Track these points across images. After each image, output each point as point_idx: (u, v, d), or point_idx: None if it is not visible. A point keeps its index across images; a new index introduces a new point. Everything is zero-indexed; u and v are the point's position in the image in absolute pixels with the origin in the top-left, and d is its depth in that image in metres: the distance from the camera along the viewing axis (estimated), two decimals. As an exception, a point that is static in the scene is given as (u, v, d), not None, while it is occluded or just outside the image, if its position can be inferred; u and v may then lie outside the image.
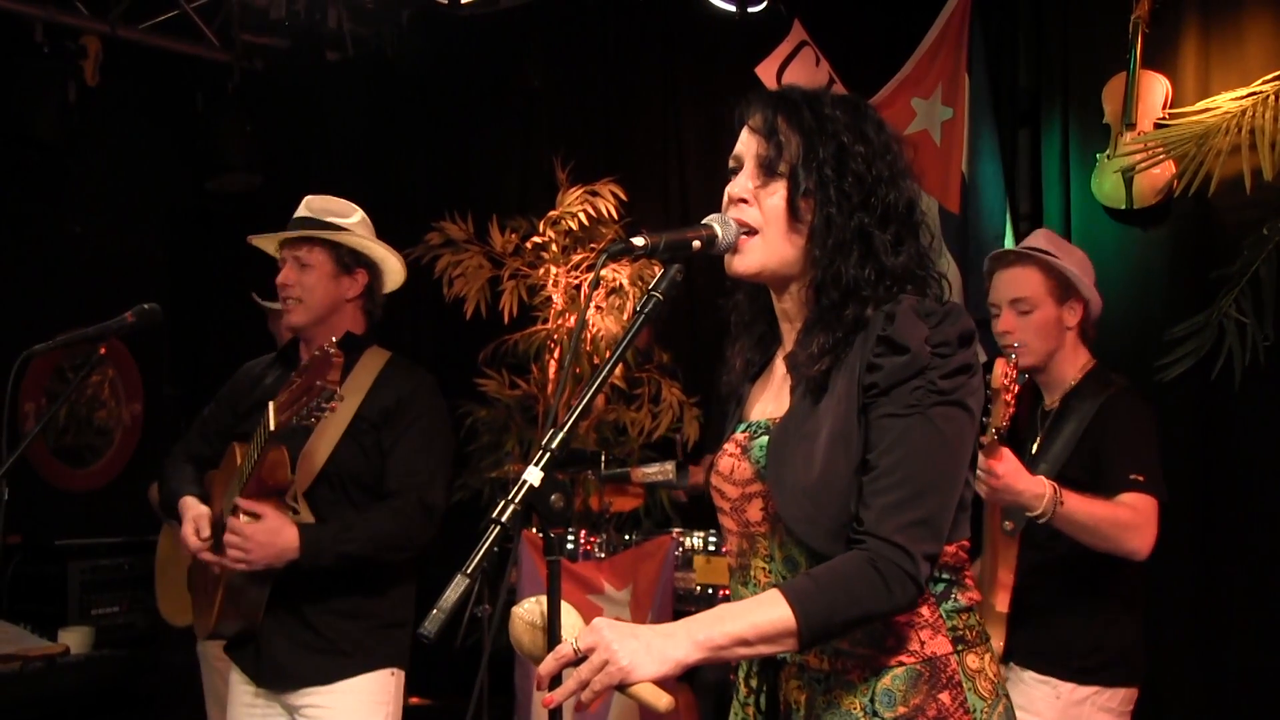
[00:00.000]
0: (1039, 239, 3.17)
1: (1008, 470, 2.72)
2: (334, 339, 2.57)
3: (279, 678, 2.91)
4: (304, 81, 6.36)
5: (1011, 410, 2.82)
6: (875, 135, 1.78)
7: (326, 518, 2.87)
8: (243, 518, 2.76)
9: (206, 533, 2.90)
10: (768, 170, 1.77)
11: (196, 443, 3.21)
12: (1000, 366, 2.86)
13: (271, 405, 2.63)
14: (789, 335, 1.85)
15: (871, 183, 1.75)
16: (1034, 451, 3.07)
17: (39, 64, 5.74)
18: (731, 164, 1.83)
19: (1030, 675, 2.97)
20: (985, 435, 2.80)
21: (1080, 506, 2.73)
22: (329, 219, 2.99)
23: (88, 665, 4.91)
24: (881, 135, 1.79)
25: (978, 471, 2.75)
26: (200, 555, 2.90)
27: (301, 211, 3.02)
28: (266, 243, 3.09)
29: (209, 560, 2.88)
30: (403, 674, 3.01)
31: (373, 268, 3.03)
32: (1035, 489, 2.71)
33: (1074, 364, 3.06)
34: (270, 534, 2.75)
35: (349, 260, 2.99)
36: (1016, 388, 2.83)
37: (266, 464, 2.76)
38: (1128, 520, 2.79)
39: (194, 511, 2.95)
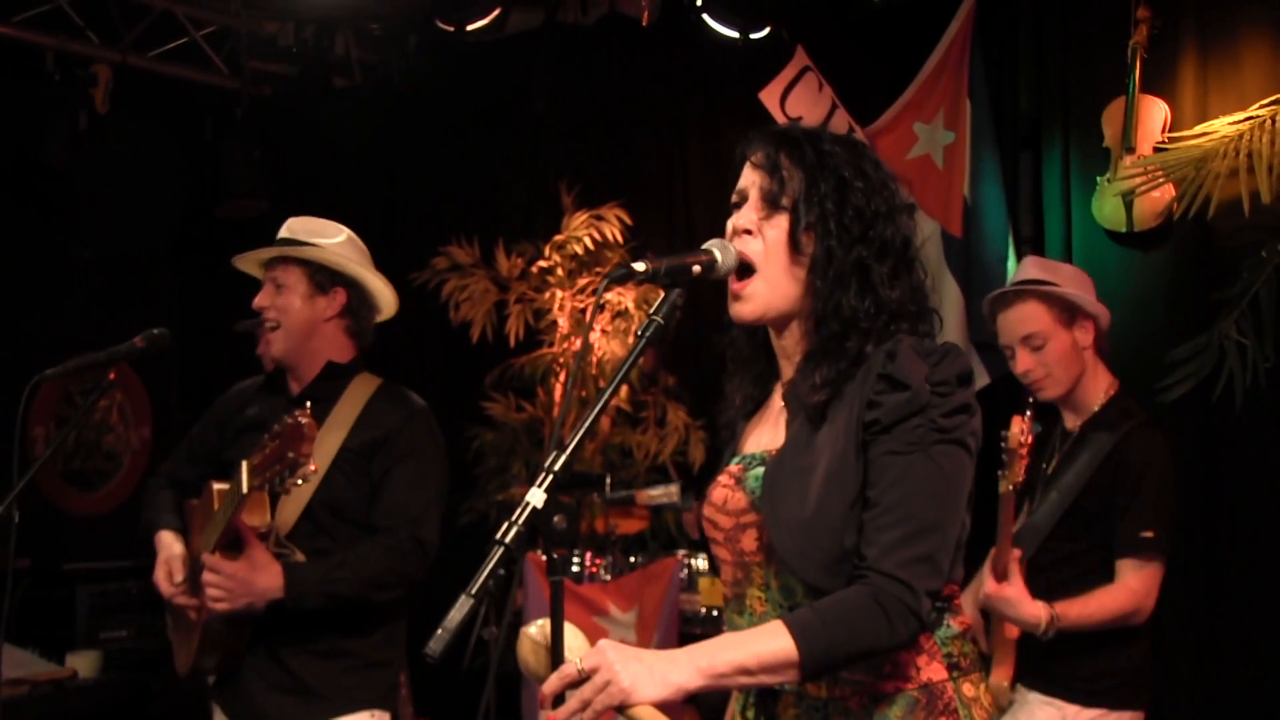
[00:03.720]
0: (1029, 269, 3.18)
1: (1012, 594, 2.82)
2: (308, 404, 2.47)
3: (255, 719, 2.82)
4: (312, 108, 6.41)
5: (1025, 463, 2.89)
6: (873, 172, 1.83)
7: (307, 555, 2.77)
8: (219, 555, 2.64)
9: (180, 577, 2.83)
10: (771, 203, 1.81)
11: (182, 465, 3.13)
12: (1017, 425, 2.90)
13: (245, 466, 2.51)
14: (788, 371, 1.88)
15: (870, 217, 1.79)
16: (1049, 472, 3.09)
17: (50, 92, 5.78)
18: (735, 199, 1.87)
19: (1035, 697, 2.99)
20: (1001, 486, 2.86)
21: (1078, 618, 2.83)
22: (308, 239, 2.92)
23: (96, 689, 4.94)
24: (879, 173, 1.83)
25: (983, 591, 2.88)
26: (175, 600, 2.82)
27: (283, 233, 2.95)
28: (251, 266, 3.03)
29: (184, 604, 2.80)
30: (387, 716, 2.89)
31: (353, 287, 2.93)
32: (1033, 615, 2.81)
33: (1098, 387, 3.07)
34: (251, 572, 2.63)
35: (323, 279, 2.89)
36: (1031, 440, 2.88)
37: (243, 510, 2.63)
38: (1128, 609, 2.88)
39: (167, 553, 2.87)
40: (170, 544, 2.90)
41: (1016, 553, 2.87)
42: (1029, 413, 2.94)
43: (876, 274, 1.78)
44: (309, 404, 2.50)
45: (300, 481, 2.44)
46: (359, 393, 2.92)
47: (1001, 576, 2.84)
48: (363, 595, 2.76)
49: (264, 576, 2.65)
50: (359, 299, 2.96)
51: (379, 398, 2.92)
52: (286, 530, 2.79)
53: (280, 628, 2.74)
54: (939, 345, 1.77)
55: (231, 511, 2.59)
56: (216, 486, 2.78)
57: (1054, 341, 3.03)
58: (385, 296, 3.01)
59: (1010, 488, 2.87)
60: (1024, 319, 3.04)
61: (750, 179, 1.85)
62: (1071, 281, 3.10)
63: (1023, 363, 3.05)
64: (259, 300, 2.92)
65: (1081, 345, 3.05)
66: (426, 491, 2.88)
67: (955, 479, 1.71)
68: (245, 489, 2.50)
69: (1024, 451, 2.89)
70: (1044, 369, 3.03)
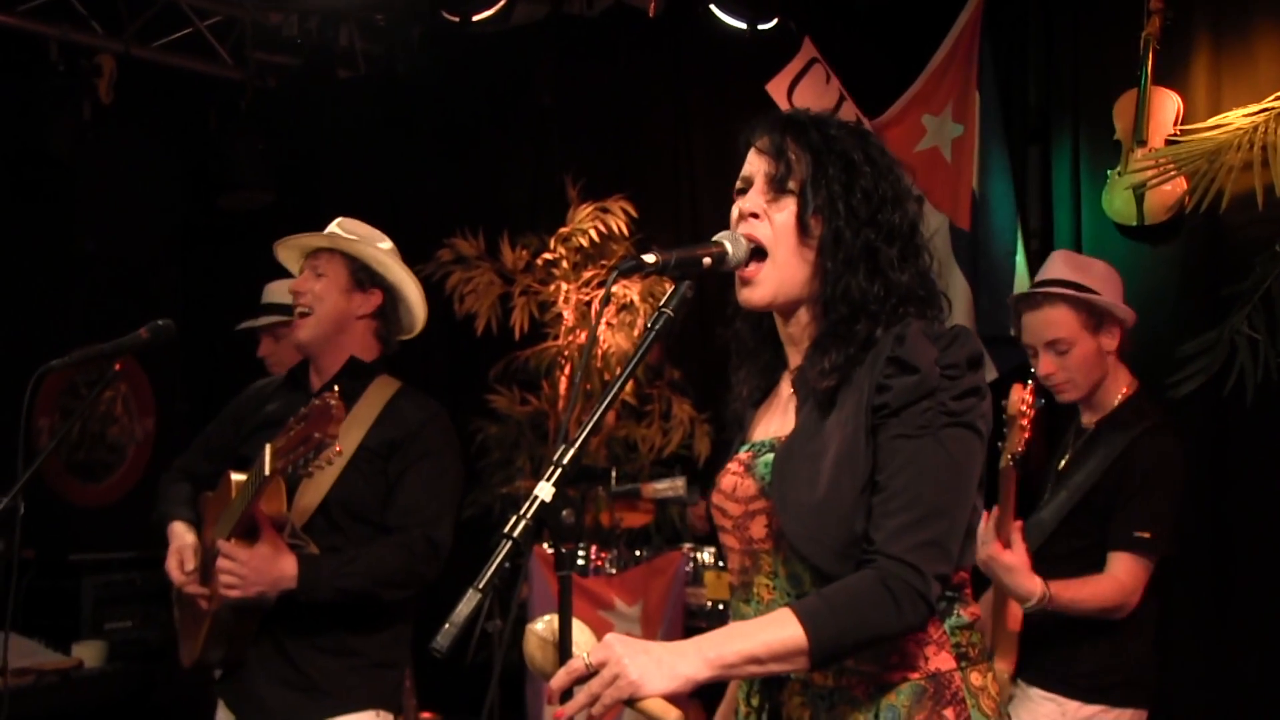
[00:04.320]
0: (1059, 267, 3.12)
1: (1014, 562, 2.80)
2: (336, 388, 2.47)
3: (258, 713, 2.80)
4: (316, 99, 6.39)
5: (1027, 435, 2.85)
6: (880, 158, 1.82)
7: (321, 552, 2.77)
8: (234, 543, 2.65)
9: (191, 565, 2.83)
10: (778, 187, 1.80)
11: (197, 459, 3.13)
12: (1017, 393, 2.88)
13: (269, 449, 2.51)
14: (795, 359, 1.87)
15: (878, 201, 1.78)
16: (1060, 469, 3.07)
17: (54, 82, 5.78)
18: (739, 184, 1.85)
19: (1036, 692, 2.97)
20: (1001, 460, 2.84)
21: (1069, 601, 2.81)
22: (356, 238, 2.96)
23: (101, 679, 4.94)
24: (885, 158, 1.83)
25: (977, 542, 2.84)
26: (185, 589, 2.82)
27: (331, 228, 2.99)
28: (290, 257, 3.06)
29: (194, 593, 2.80)
30: (391, 717, 2.88)
31: (389, 291, 2.97)
32: (1028, 586, 2.78)
33: (1117, 387, 3.04)
34: (266, 560, 2.63)
35: (364, 277, 2.93)
36: (1033, 412, 2.85)
37: (262, 496, 2.64)
38: (1114, 601, 2.86)
39: (179, 542, 2.88)
40: (182, 534, 2.91)
41: (1019, 523, 2.83)
42: (1030, 383, 2.91)
43: (885, 257, 1.76)
44: (336, 388, 2.50)
45: (325, 464, 2.44)
46: (379, 393, 2.93)
47: (1006, 544, 2.81)
48: (373, 592, 2.76)
49: (279, 564, 2.65)
50: (393, 305, 3.00)
51: (399, 399, 2.93)
52: (301, 524, 2.79)
53: (288, 623, 2.74)
54: (949, 329, 1.75)
55: (251, 495, 2.60)
56: (235, 477, 2.79)
57: (1079, 347, 2.98)
58: (418, 311, 3.04)
59: (1010, 459, 2.84)
60: (1050, 323, 2.99)
61: (755, 165, 1.83)
62: (1103, 282, 3.04)
63: (1045, 366, 3.01)
64: (296, 285, 2.94)
65: (1106, 350, 3.01)
66: (441, 494, 2.89)
67: (964, 463, 1.69)
68: (268, 471, 2.50)
69: (1025, 421, 2.86)
70: (1066, 374, 2.99)
